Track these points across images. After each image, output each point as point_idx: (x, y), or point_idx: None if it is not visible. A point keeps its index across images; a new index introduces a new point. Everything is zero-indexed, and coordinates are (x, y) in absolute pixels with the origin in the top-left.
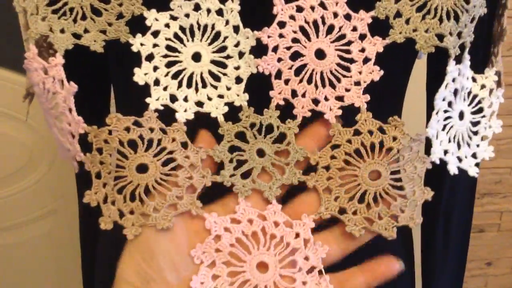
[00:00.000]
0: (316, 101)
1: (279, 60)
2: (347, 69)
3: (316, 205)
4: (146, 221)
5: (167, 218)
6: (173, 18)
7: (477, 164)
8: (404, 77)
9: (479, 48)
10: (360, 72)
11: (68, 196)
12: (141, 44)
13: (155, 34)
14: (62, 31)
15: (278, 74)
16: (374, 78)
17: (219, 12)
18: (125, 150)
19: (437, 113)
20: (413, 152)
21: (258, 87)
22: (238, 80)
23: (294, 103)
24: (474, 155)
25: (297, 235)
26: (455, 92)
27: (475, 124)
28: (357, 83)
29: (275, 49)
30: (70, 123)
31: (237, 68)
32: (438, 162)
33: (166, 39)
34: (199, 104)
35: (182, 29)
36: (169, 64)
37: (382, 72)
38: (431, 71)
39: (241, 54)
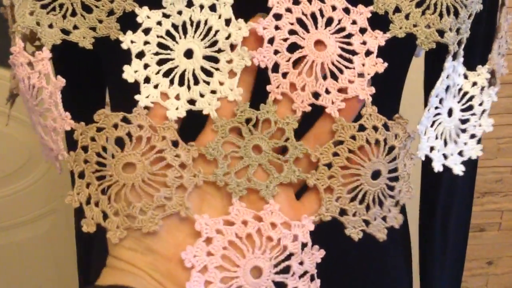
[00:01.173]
0: (316, 95)
1: (276, 52)
2: (350, 61)
3: (317, 206)
4: (132, 223)
5: (153, 221)
6: (166, 15)
7: (464, 162)
8: (402, 74)
9: (476, 46)
10: (363, 64)
11: (67, 195)
12: (131, 42)
13: (146, 31)
14: (50, 26)
15: (275, 67)
16: (378, 70)
17: (212, 8)
18: (112, 148)
19: (429, 110)
20: (405, 148)
21: (255, 81)
22: (232, 74)
23: (293, 97)
24: (460, 153)
25: (295, 238)
26: (447, 89)
27: (464, 121)
28: (361, 75)
29: (271, 41)
30: (55, 119)
31: (230, 61)
32: (423, 158)
33: (158, 36)
34: (191, 102)
35: (174, 26)
36: (161, 62)
37: (386, 64)
38: (429, 69)
39: (232, 47)
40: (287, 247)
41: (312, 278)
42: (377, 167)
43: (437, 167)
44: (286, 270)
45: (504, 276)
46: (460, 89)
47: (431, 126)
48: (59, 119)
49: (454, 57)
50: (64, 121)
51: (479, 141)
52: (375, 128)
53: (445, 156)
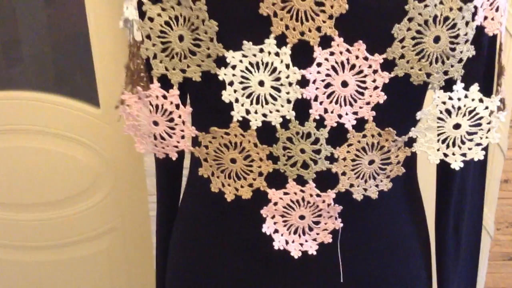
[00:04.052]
0: (340, 116)
1: (316, 88)
2: (362, 94)
3: (336, 183)
4: (237, 192)
5: (248, 192)
6: (244, 56)
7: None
8: (419, 98)
9: (481, 79)
10: (370, 96)
11: (126, 215)
12: (225, 74)
13: (233, 67)
14: (174, 68)
15: (315, 98)
16: (379, 100)
17: (276, 54)
18: (223, 149)
19: (422, 123)
20: (397, 146)
21: (302, 106)
22: (288, 101)
23: (325, 117)
24: (464, 154)
25: (323, 201)
26: (448, 111)
27: (471, 134)
28: (368, 103)
29: (314, 81)
30: (183, 130)
31: (288, 93)
32: (418, 152)
33: (241, 71)
34: (264, 115)
35: (250, 64)
36: (244, 88)
37: (385, 97)
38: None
39: (290, 84)
40: (318, 206)
41: (335, 218)
42: (372, 158)
43: (432, 160)
44: (319, 216)
45: None
46: (472, 111)
47: (435, 134)
48: (187, 130)
49: (450, 90)
50: (191, 131)
51: (483, 149)
52: (372, 136)
53: (445, 155)
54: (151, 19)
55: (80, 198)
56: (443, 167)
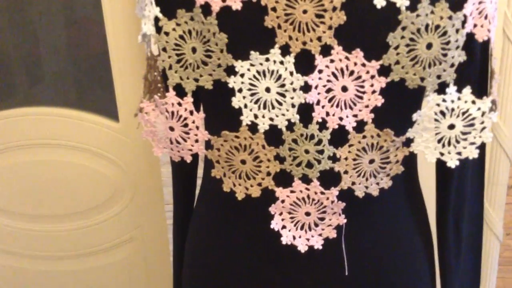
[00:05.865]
0: (341, 118)
1: (318, 93)
2: (361, 98)
3: (339, 181)
4: (247, 191)
5: (257, 191)
6: (252, 65)
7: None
8: (410, 103)
9: (473, 82)
10: (369, 99)
11: (144, 225)
12: (234, 82)
13: (242, 75)
14: (187, 78)
15: (318, 102)
16: (377, 104)
17: (281, 62)
18: (233, 151)
19: (418, 124)
20: (396, 146)
21: (305, 110)
22: (293, 106)
23: (327, 120)
24: (459, 153)
25: (327, 198)
26: (442, 113)
27: (465, 133)
28: (367, 106)
29: (316, 87)
30: (196, 134)
31: (292, 98)
32: (416, 152)
33: (249, 78)
34: (271, 119)
35: (258, 72)
36: (252, 94)
37: (383, 100)
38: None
39: (294, 90)
40: (323, 203)
41: (339, 215)
42: (372, 157)
43: (429, 158)
44: (324, 212)
45: None
46: (465, 112)
47: (432, 134)
48: (200, 134)
49: (443, 92)
50: (204, 135)
51: (477, 147)
52: (372, 137)
53: (441, 154)
54: (166, 34)
55: (100, 209)
56: (440, 166)
